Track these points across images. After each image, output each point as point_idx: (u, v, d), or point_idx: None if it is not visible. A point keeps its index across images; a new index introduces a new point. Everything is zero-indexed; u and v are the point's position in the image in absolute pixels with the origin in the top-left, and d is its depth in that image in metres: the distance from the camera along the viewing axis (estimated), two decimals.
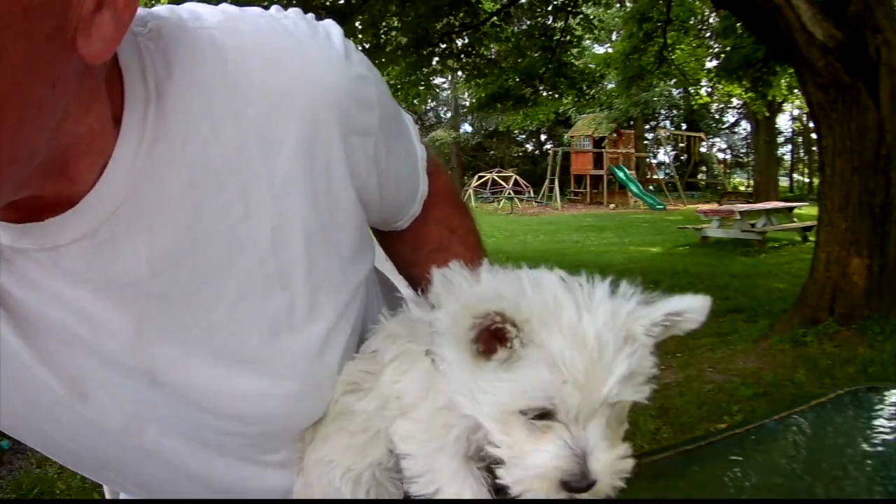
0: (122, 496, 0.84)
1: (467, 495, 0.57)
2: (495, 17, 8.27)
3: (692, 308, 0.53)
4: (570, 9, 8.34)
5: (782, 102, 18.80)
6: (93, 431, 0.63)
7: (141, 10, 0.53)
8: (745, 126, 29.71)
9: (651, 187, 22.93)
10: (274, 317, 0.62)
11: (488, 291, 0.51)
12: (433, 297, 0.59)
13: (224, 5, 0.62)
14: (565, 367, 0.47)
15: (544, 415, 0.49)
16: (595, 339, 0.48)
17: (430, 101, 26.51)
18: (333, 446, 0.65)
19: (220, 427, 0.65)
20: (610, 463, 0.50)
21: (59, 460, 0.71)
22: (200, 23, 0.58)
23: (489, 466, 0.58)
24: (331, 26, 0.64)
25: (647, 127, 27.99)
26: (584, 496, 0.49)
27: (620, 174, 20.95)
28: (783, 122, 28.52)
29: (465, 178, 23.76)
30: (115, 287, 0.57)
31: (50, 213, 0.53)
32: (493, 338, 0.49)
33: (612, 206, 20.49)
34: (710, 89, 19.89)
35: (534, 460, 0.50)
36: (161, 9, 0.58)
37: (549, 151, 24.03)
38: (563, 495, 0.50)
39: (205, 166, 0.57)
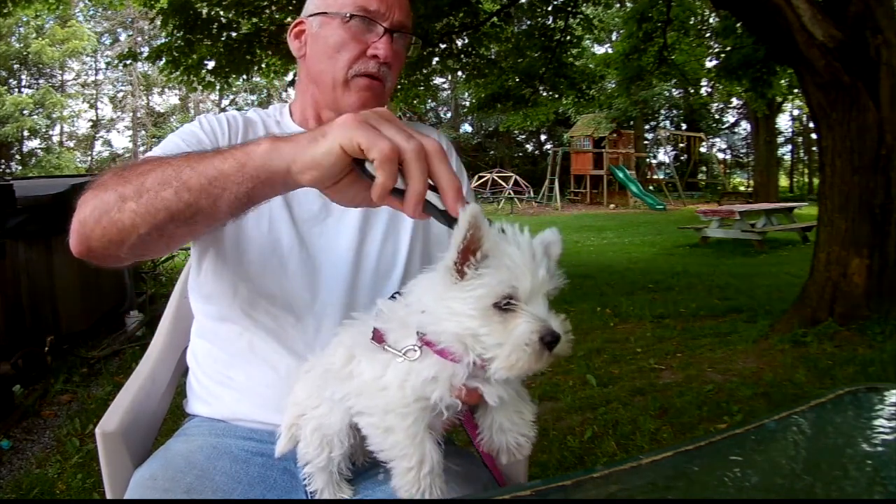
0: (124, 496, 0.83)
1: (427, 461, 0.72)
2: (495, 17, 8.26)
3: (548, 239, 0.73)
4: (570, 9, 8.33)
5: (782, 102, 18.80)
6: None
7: None
8: (745, 126, 29.75)
9: (651, 187, 22.92)
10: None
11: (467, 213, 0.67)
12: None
13: None
14: (518, 261, 0.67)
15: (509, 301, 0.67)
16: (528, 245, 0.69)
17: (430, 101, 26.51)
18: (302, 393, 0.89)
19: None
20: (561, 323, 0.69)
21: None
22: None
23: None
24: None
25: (647, 127, 28.00)
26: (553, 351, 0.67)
27: (620, 174, 20.95)
28: (783, 122, 28.59)
29: None
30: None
31: None
32: (466, 251, 0.67)
33: (612, 206, 20.49)
34: (710, 89, 19.88)
35: (516, 334, 0.67)
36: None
37: (549, 151, 24.04)
38: (545, 354, 0.67)
39: None
